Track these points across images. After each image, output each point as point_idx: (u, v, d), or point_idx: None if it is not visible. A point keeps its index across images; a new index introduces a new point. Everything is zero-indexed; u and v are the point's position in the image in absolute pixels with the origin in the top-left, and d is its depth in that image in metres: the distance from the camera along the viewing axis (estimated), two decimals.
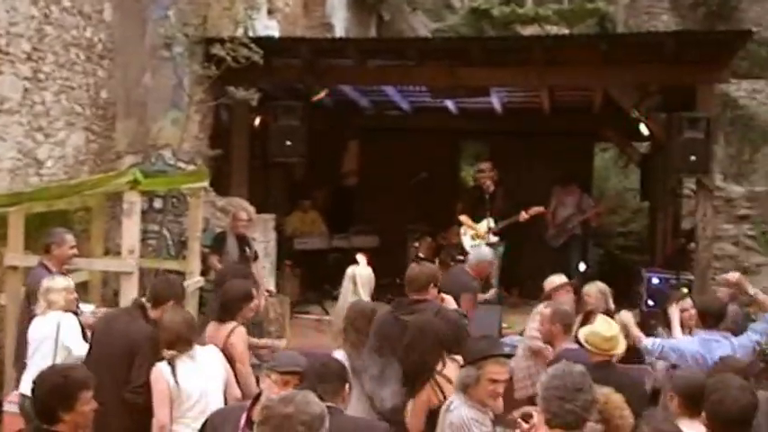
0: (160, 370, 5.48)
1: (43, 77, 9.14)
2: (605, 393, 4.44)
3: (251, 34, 10.56)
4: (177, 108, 10.35)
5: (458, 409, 4.66)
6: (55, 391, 4.17)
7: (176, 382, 5.44)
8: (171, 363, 5.49)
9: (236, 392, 5.82)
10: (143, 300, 6.34)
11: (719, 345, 6.31)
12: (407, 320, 5.93)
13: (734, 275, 7.44)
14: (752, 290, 7.17)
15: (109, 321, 6.29)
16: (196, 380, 5.53)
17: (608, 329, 5.78)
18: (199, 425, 4.79)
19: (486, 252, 9.25)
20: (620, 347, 5.93)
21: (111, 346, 5.90)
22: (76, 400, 4.18)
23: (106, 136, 10.25)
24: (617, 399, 4.50)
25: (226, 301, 6.62)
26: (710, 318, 6.52)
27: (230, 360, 6.13)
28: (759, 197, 16.15)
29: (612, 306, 7.88)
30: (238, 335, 6.44)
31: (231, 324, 6.49)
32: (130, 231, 8.07)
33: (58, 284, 6.67)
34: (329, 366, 4.57)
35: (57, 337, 6.38)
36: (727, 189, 14.76)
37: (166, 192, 9.94)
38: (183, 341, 5.57)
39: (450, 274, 8.91)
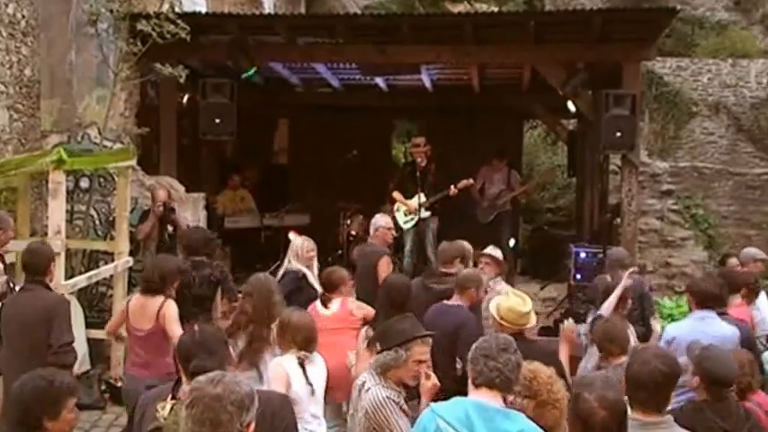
0: (285, 369, 5.44)
1: None
2: (532, 369, 4.50)
3: (177, 10, 10.40)
4: (103, 86, 10.16)
5: (373, 390, 4.70)
6: (40, 397, 3.92)
7: (308, 382, 5.45)
8: (302, 364, 5.47)
9: None
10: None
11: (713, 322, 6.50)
12: (435, 288, 7.22)
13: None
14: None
15: (14, 302, 6.35)
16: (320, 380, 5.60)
17: (523, 305, 5.87)
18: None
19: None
20: (533, 321, 6.07)
21: (23, 321, 6.05)
22: (63, 407, 3.96)
23: (31, 114, 10.01)
24: (544, 374, 4.56)
25: (163, 275, 6.68)
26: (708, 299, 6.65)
27: (162, 331, 6.40)
28: (683, 173, 16.61)
29: None
30: (171, 307, 6.57)
31: (161, 297, 6.59)
32: (56, 212, 7.94)
33: None
34: (208, 335, 4.25)
35: None
36: (651, 165, 15.11)
37: (93, 171, 9.78)
38: (314, 343, 5.58)
39: (360, 252, 9.17)
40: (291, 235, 8.91)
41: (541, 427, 4.07)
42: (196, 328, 4.12)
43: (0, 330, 6.22)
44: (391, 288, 6.58)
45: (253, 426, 3.00)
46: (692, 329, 6.32)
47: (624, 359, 5.77)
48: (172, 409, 3.90)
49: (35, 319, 6.02)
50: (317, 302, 7.08)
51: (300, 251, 7.97)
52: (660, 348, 4.64)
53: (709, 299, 6.59)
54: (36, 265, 6.36)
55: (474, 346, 4.08)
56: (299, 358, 5.47)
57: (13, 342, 6.12)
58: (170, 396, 4.01)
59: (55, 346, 5.93)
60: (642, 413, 3.92)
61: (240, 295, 6.82)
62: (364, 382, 4.81)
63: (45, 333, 5.95)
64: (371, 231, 9.19)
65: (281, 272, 7.95)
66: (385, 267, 8.49)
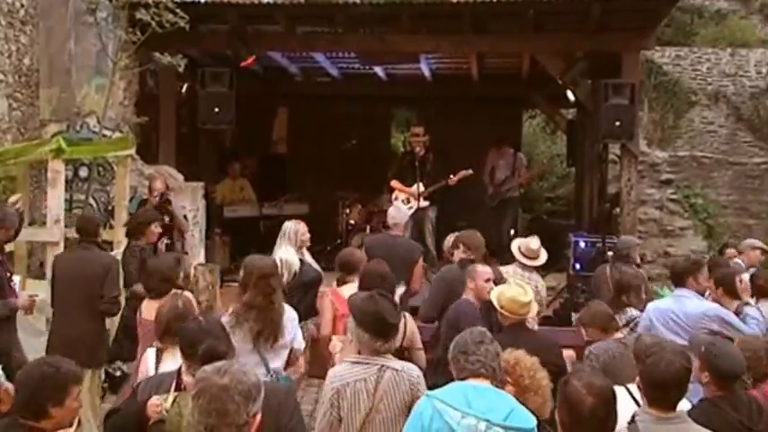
0: (146, 362, 5.08)
1: None
2: (515, 356, 4.55)
3: None
4: (102, 75, 10.14)
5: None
6: (46, 383, 3.80)
7: (156, 371, 5.04)
8: (158, 354, 5.04)
9: None
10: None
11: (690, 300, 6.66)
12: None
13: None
14: None
15: (70, 258, 7.27)
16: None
17: (524, 295, 5.86)
18: None
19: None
20: (534, 310, 6.07)
21: (84, 276, 6.96)
22: (68, 395, 3.84)
23: (30, 104, 9.99)
24: (527, 361, 4.58)
25: (164, 277, 6.43)
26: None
27: None
28: (682, 162, 16.60)
29: None
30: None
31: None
32: (56, 201, 7.95)
33: None
34: (213, 322, 4.30)
35: None
36: (651, 154, 15.10)
37: (92, 160, 9.77)
38: (168, 335, 5.04)
39: (383, 242, 8.40)
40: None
41: None
42: (200, 317, 4.15)
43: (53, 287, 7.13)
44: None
45: (259, 416, 2.99)
46: (669, 306, 6.61)
47: (619, 334, 5.93)
48: (174, 400, 3.91)
49: (93, 273, 6.96)
50: (335, 285, 6.98)
51: (295, 236, 7.68)
52: (675, 344, 4.61)
53: (677, 276, 6.88)
54: (88, 229, 7.25)
55: (452, 346, 4.19)
56: (157, 350, 5.08)
57: (66, 294, 7.00)
58: (173, 387, 4.02)
59: (107, 297, 6.93)
60: (657, 409, 3.90)
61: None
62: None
63: (99, 286, 6.93)
64: (398, 222, 8.59)
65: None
66: (422, 269, 8.28)
